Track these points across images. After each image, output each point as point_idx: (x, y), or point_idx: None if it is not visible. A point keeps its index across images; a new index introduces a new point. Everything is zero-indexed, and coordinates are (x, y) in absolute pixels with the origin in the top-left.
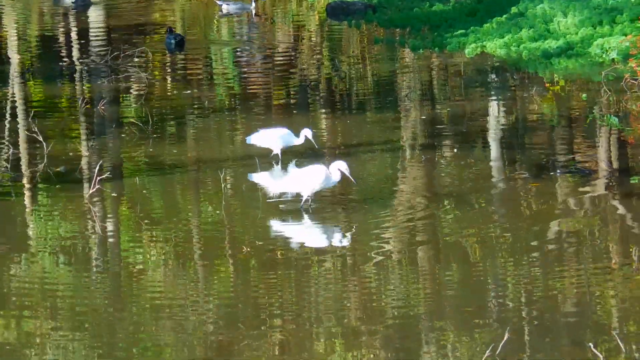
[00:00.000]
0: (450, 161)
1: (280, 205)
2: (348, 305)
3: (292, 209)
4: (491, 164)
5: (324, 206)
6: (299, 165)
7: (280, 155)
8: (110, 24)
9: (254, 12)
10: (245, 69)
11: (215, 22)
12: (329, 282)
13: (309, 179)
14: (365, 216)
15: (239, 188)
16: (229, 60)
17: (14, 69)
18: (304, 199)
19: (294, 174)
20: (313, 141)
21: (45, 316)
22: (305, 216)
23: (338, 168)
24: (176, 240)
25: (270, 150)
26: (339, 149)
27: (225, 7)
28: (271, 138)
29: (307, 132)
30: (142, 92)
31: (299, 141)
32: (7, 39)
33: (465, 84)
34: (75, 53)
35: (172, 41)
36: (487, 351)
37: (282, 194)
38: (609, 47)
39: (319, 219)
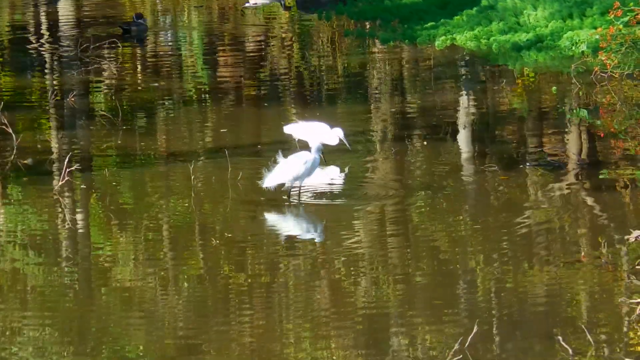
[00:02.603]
0: (420, 153)
1: (262, 198)
2: (318, 297)
3: (261, 201)
4: (461, 156)
5: (294, 198)
6: (285, 155)
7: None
8: (80, 15)
9: (283, 3)
10: (216, 61)
11: (186, 12)
12: (299, 275)
13: (294, 167)
14: (335, 208)
15: (209, 180)
16: (198, 51)
17: None
18: (291, 187)
19: (280, 164)
20: (345, 141)
21: (14, 308)
22: (275, 208)
23: (337, 135)
24: (146, 232)
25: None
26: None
27: None
28: (310, 131)
29: (338, 132)
30: (112, 84)
31: (332, 142)
32: None
33: (435, 77)
34: (45, 44)
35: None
36: (456, 344)
37: (280, 186)
38: (579, 40)
39: (289, 211)
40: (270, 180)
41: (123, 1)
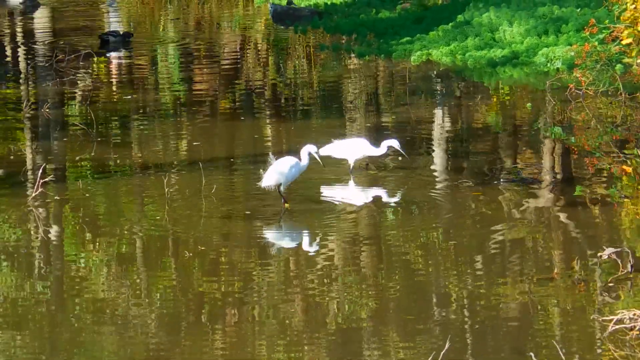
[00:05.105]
0: (394, 168)
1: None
2: (290, 311)
3: (234, 213)
4: (435, 171)
5: (267, 212)
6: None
7: (352, 166)
8: (56, 26)
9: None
10: (191, 74)
11: (162, 24)
12: (272, 288)
13: (281, 170)
14: (309, 223)
15: (183, 193)
16: (174, 63)
17: None
18: (281, 190)
19: (271, 167)
20: (402, 151)
21: None
22: (248, 222)
23: (308, 151)
24: (119, 244)
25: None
26: (284, 155)
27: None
28: (347, 149)
29: (393, 143)
30: (87, 95)
31: (379, 152)
32: None
33: (411, 92)
34: (20, 55)
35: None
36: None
37: (276, 187)
38: (554, 57)
39: (262, 224)
40: (265, 180)
41: (100, 12)
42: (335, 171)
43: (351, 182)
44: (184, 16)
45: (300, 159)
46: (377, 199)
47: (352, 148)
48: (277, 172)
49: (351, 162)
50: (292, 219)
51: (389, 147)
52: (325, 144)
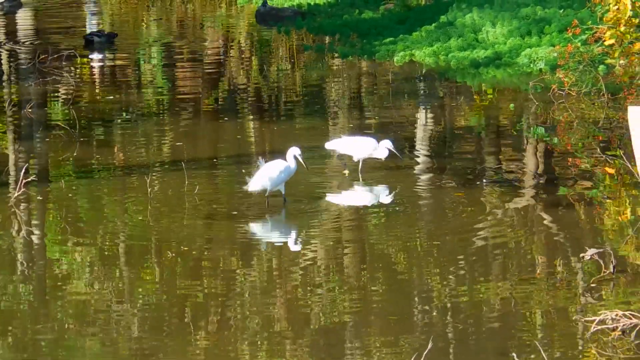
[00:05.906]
0: (376, 169)
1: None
2: (274, 311)
3: (217, 214)
4: (418, 172)
5: (251, 213)
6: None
7: (360, 164)
8: (39, 26)
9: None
10: (174, 74)
11: (145, 24)
12: (255, 288)
13: (270, 175)
14: (291, 224)
15: (166, 193)
16: (157, 64)
17: None
18: (269, 192)
19: (260, 171)
20: (396, 152)
21: None
22: (231, 222)
23: (293, 154)
24: (102, 244)
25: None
26: (267, 156)
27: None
28: (355, 146)
29: (386, 144)
30: (69, 95)
31: (383, 154)
32: None
33: (394, 92)
34: (2, 55)
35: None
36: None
37: (262, 192)
38: (537, 58)
39: (245, 226)
40: (253, 184)
41: (83, 13)
42: (321, 172)
43: (334, 183)
44: (167, 16)
45: (287, 162)
46: (359, 200)
47: (360, 146)
48: (266, 177)
49: (355, 160)
50: (272, 221)
51: (387, 148)
52: (315, 144)
